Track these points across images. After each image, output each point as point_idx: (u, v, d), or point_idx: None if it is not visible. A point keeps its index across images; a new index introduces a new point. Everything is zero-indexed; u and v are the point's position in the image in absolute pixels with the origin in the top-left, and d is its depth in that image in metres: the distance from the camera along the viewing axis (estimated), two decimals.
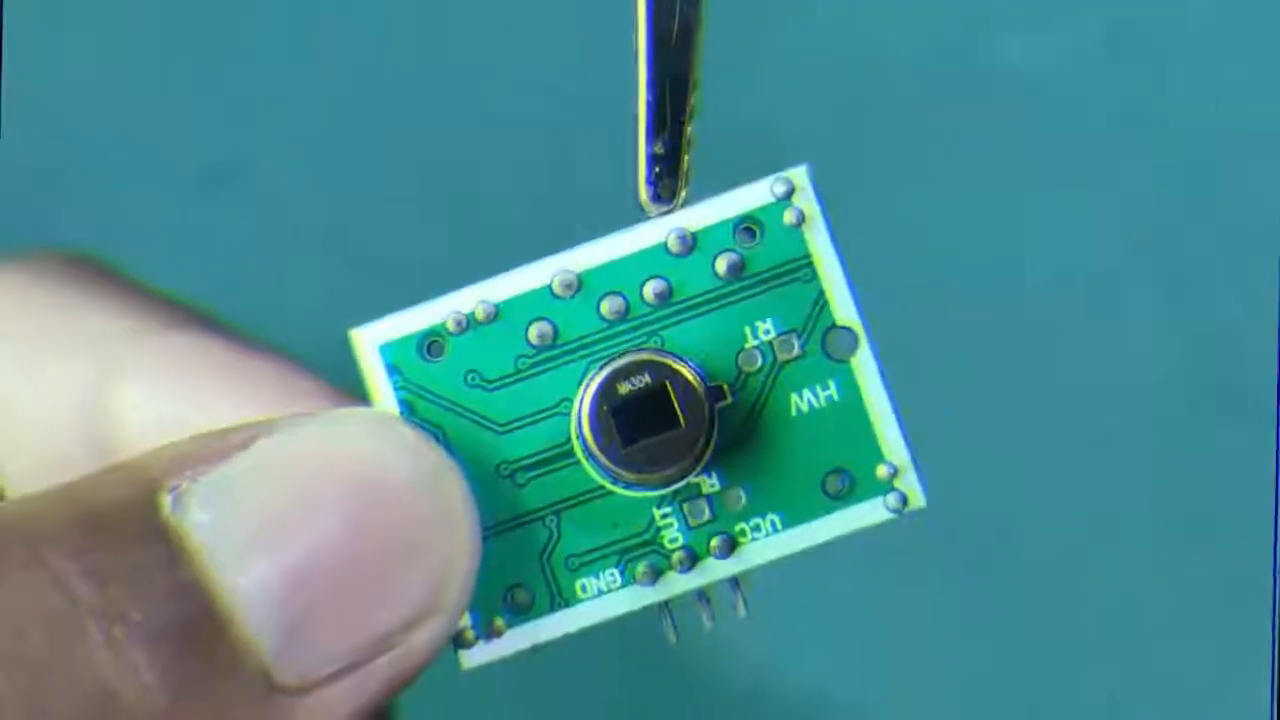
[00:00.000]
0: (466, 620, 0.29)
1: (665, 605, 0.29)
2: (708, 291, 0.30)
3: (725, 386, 0.29)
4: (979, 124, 0.63)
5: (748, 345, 0.29)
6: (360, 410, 0.28)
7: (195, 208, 0.62)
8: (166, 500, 0.26)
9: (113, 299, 0.34)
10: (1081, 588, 0.61)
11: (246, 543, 0.26)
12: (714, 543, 0.29)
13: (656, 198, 0.29)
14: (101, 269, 0.36)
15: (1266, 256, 0.61)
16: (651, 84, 0.29)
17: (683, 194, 0.29)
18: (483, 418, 0.29)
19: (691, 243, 0.30)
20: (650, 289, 0.29)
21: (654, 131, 0.29)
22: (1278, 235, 0.61)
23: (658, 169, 0.29)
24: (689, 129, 0.29)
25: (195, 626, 0.25)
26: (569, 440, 0.29)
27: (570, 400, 0.29)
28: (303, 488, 0.26)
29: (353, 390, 0.31)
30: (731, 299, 0.30)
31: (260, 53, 0.63)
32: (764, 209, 0.30)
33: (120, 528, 0.25)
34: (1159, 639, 0.61)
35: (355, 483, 0.27)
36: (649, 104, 0.29)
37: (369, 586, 0.26)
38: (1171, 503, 0.61)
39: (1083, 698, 0.61)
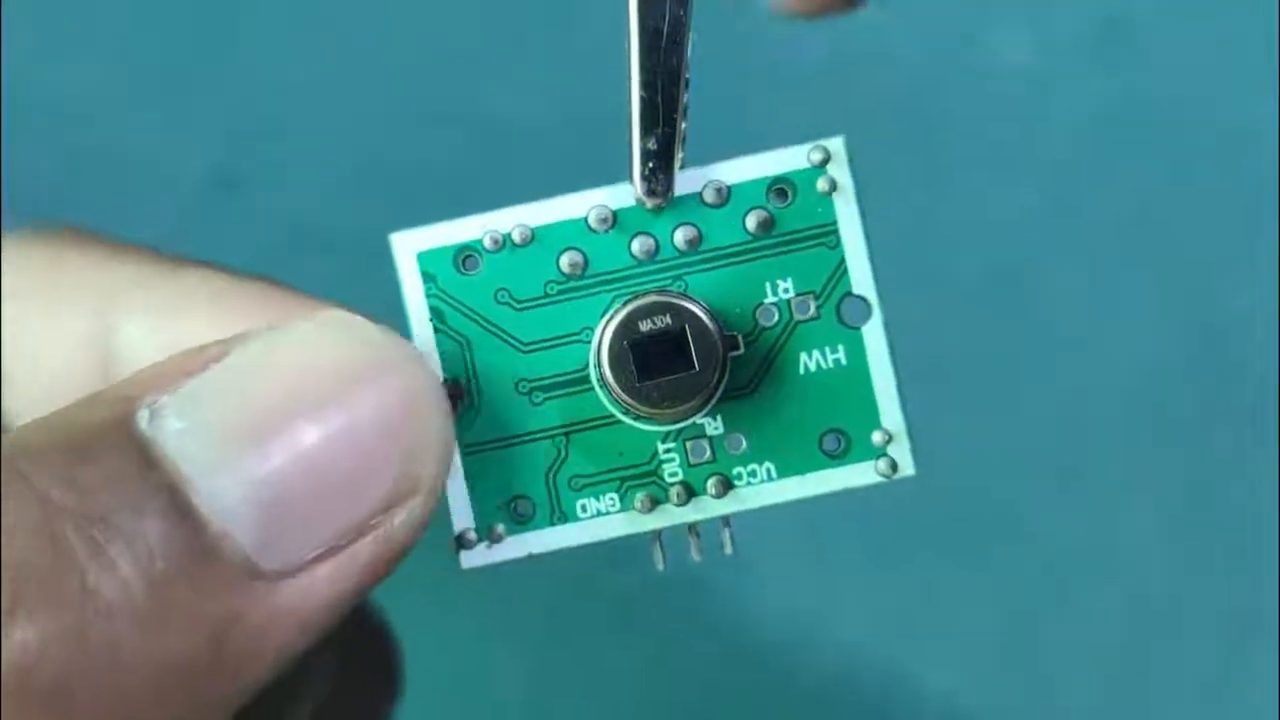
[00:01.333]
0: (469, 523, 0.30)
1: (657, 534, 0.31)
2: (735, 245, 0.31)
3: (739, 337, 0.30)
4: (974, 121, 0.63)
5: (766, 301, 0.31)
6: (326, 312, 0.29)
7: (200, 212, 0.62)
8: (143, 415, 0.27)
9: (111, 255, 0.36)
10: (1084, 580, 0.61)
11: (217, 445, 0.27)
12: (710, 482, 0.31)
13: (650, 192, 0.30)
14: (96, 235, 0.38)
15: (1265, 251, 0.61)
16: (644, 81, 0.29)
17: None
18: (508, 335, 0.31)
19: (726, 195, 0.31)
20: (681, 235, 0.31)
21: (647, 127, 0.30)
22: (1275, 229, 0.61)
23: (651, 164, 0.30)
24: (682, 125, 0.30)
25: (171, 525, 0.26)
26: (586, 368, 0.31)
27: (592, 330, 0.30)
28: (272, 390, 0.28)
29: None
30: (756, 254, 0.31)
31: (264, 56, 0.63)
32: (799, 173, 0.31)
33: (98, 444, 0.27)
34: (1163, 631, 0.61)
35: (322, 380, 0.28)
36: (642, 100, 0.29)
37: (344, 474, 0.28)
38: (1174, 495, 0.61)
39: (1086, 689, 0.61)
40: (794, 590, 0.62)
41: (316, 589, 0.27)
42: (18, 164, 0.62)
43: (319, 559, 0.27)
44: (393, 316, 0.31)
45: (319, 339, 0.28)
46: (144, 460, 0.27)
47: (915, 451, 0.30)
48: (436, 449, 0.28)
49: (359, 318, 0.30)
